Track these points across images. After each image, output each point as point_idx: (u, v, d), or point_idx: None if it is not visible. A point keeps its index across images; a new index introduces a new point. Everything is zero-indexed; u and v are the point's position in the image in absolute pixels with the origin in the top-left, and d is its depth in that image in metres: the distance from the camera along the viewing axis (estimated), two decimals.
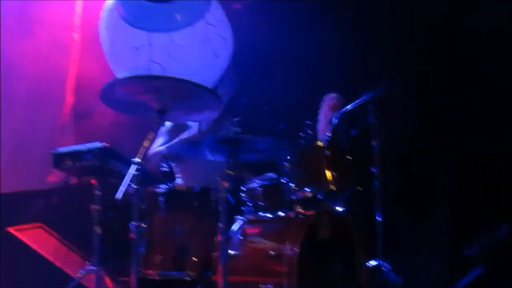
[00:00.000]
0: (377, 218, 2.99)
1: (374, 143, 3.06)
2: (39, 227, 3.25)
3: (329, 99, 3.45)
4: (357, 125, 3.26)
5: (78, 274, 2.57)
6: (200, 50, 2.46)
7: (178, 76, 2.20)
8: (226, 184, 2.14)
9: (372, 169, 3.04)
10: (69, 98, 4.21)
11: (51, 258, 2.83)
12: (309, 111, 3.69)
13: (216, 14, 2.44)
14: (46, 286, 2.71)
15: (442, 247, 3.38)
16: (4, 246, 2.87)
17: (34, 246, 2.86)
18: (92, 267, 2.53)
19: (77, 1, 4.17)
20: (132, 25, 2.21)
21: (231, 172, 2.17)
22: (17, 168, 3.81)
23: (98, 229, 2.56)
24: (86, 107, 4.23)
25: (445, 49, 3.55)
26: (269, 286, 2.20)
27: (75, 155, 2.58)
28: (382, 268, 2.86)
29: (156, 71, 2.39)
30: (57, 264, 2.82)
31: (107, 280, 2.60)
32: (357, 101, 3.03)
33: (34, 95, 4.02)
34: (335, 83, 3.73)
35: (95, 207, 2.59)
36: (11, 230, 2.91)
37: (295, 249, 2.21)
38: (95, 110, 4.15)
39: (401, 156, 3.52)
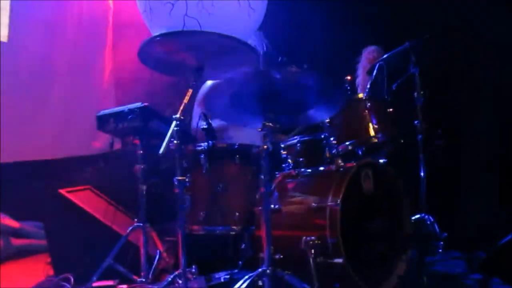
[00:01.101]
0: (420, 172, 2.93)
1: (416, 95, 2.96)
2: (88, 189, 3.39)
3: (368, 52, 3.36)
4: (398, 77, 3.16)
5: (126, 231, 2.67)
6: (235, 3, 2.41)
7: (214, 31, 2.18)
8: (267, 138, 2.12)
9: (415, 122, 2.96)
10: (108, 66, 4.30)
11: (100, 217, 2.94)
12: (349, 66, 3.61)
13: None
14: (96, 243, 2.83)
15: (488, 203, 3.29)
16: (56, 207, 3.01)
17: (84, 206, 2.98)
18: (139, 224, 2.62)
19: None
20: None
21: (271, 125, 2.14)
22: (67, 136, 3.97)
23: (142, 188, 2.63)
24: (125, 74, 4.33)
25: None
26: (313, 238, 2.20)
27: (118, 116, 2.64)
28: (426, 221, 2.82)
29: (192, 26, 2.38)
30: (106, 222, 2.93)
31: (154, 236, 2.69)
32: (396, 49, 2.91)
33: (79, 65, 4.14)
34: (376, 37, 3.62)
35: (138, 166, 2.66)
36: (63, 192, 3.04)
37: (338, 201, 2.20)
38: (133, 76, 4.24)
39: (447, 108, 3.40)
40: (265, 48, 3.30)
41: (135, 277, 2.64)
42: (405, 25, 3.55)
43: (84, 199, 3.15)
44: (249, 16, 2.47)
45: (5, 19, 3.76)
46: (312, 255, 2.18)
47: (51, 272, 2.95)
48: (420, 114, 2.96)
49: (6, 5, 3.74)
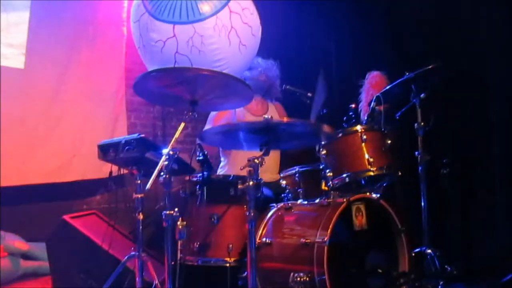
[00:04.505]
0: (422, 203, 2.87)
1: (416, 125, 2.91)
2: (93, 213, 3.45)
3: (372, 77, 3.33)
4: (401, 107, 3.12)
5: (123, 259, 2.71)
6: (225, 39, 2.45)
7: (205, 67, 2.21)
8: (252, 172, 2.13)
9: (416, 153, 2.91)
10: (120, 91, 4.39)
11: (101, 243, 2.99)
12: (353, 94, 3.59)
13: (240, 2, 2.41)
14: (96, 268, 2.87)
15: (496, 234, 3.19)
16: (60, 231, 3.08)
17: (86, 232, 3.04)
18: (134, 253, 2.65)
19: None
20: (156, 18, 2.25)
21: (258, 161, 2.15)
22: (78, 160, 4.06)
23: (139, 217, 2.66)
24: (136, 98, 4.42)
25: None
26: (301, 274, 2.19)
27: (116, 146, 2.69)
28: (427, 255, 2.75)
29: (183, 63, 2.42)
30: (107, 249, 2.97)
31: (150, 265, 2.71)
32: (398, 80, 2.88)
33: (92, 89, 4.24)
34: (380, 63, 3.60)
35: (137, 195, 2.70)
36: (66, 217, 3.12)
37: (325, 238, 2.18)
38: (144, 101, 4.32)
39: (452, 138, 3.34)
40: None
41: None
42: (409, 52, 3.52)
43: (88, 224, 3.21)
44: (240, 51, 2.50)
45: (23, 47, 3.91)
46: None
47: None
48: (421, 145, 2.92)
49: (24, 32, 3.88)
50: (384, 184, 2.77)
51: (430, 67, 2.81)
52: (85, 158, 4.00)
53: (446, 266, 2.81)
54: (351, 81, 3.63)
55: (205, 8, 2.29)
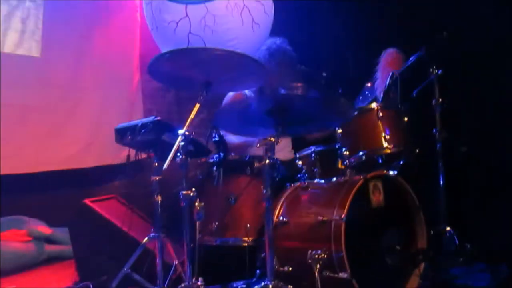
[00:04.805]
0: (439, 181, 2.84)
1: (434, 102, 2.87)
2: (113, 198, 3.51)
3: (387, 55, 3.28)
4: (417, 84, 3.08)
5: (143, 240, 2.75)
6: (237, 18, 2.43)
7: (218, 47, 2.21)
8: (268, 151, 2.14)
9: (434, 131, 2.88)
10: (136, 76, 4.42)
11: (122, 226, 3.04)
12: (369, 72, 3.55)
13: None
14: (117, 250, 2.93)
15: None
16: (81, 215, 3.14)
17: (106, 215, 3.09)
18: (154, 234, 2.69)
19: None
20: None
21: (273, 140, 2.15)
22: (96, 146, 4.12)
23: (157, 199, 2.70)
24: (153, 83, 4.43)
25: None
26: (319, 251, 2.19)
27: (133, 130, 2.71)
28: (445, 233, 2.73)
29: (196, 43, 2.42)
30: (127, 231, 3.02)
31: (169, 246, 2.75)
32: (412, 58, 2.84)
33: (108, 75, 4.28)
34: (395, 41, 3.54)
35: (154, 178, 2.73)
36: (87, 201, 3.17)
37: (342, 215, 2.18)
38: (160, 85, 4.33)
39: (470, 113, 3.28)
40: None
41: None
42: (422, 28, 3.45)
43: (108, 208, 3.26)
44: (253, 30, 2.48)
45: (38, 35, 3.95)
46: (318, 269, 2.17)
47: (78, 278, 3.09)
48: (439, 122, 2.88)
49: (39, 22, 3.93)
50: (401, 162, 2.75)
51: (443, 34, 2.75)
52: (103, 143, 4.06)
53: (465, 244, 2.79)
54: (367, 59, 3.58)
55: None
